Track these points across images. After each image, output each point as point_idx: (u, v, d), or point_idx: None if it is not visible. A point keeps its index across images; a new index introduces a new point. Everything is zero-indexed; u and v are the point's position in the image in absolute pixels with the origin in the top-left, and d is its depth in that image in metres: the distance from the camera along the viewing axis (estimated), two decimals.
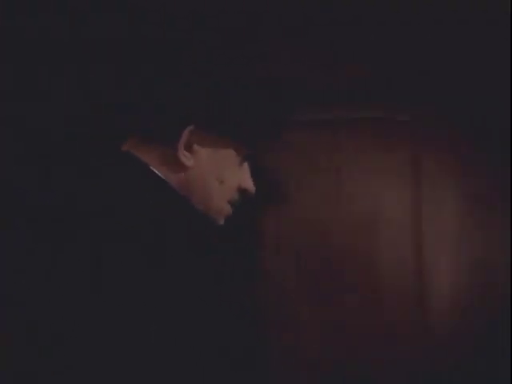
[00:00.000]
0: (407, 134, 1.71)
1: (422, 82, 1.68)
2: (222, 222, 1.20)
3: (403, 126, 1.71)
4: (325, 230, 1.66)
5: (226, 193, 1.17)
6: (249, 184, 1.21)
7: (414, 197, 1.71)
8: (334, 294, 1.66)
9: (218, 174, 1.15)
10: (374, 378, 1.68)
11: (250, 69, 1.40)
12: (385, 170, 1.69)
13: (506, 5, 1.77)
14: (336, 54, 1.62)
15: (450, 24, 1.62)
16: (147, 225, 1.03)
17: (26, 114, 1.60)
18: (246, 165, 1.21)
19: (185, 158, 1.11)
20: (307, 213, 1.64)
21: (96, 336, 1.00)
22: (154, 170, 1.10)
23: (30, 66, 1.60)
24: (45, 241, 1.04)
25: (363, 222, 1.67)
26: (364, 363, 1.68)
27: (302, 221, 1.64)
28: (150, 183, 1.10)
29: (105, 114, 1.52)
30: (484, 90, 1.68)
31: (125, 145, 1.14)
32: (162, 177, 1.10)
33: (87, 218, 1.04)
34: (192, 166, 1.11)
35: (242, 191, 1.21)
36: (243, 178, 1.20)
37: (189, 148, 1.11)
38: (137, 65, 1.35)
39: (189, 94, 1.08)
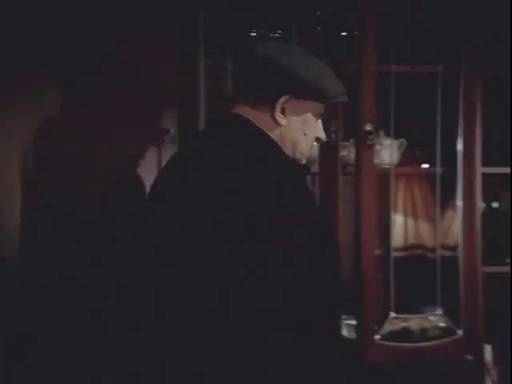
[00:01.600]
0: None
1: None
2: (304, 161, 1.70)
3: None
4: None
5: (308, 141, 1.66)
6: (322, 134, 1.71)
7: None
8: None
9: (303, 129, 1.64)
10: None
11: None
12: None
13: None
14: None
15: None
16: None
17: None
18: (319, 121, 1.69)
19: (280, 118, 1.58)
20: None
21: None
22: (260, 126, 1.59)
23: None
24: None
25: None
26: None
27: None
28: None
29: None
30: None
31: (235, 108, 1.61)
32: (265, 131, 1.60)
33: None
34: (285, 124, 1.60)
35: (318, 139, 1.70)
36: (319, 130, 1.69)
37: (282, 111, 1.58)
38: None
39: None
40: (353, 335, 2.44)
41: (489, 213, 2.68)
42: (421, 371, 2.50)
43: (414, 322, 2.48)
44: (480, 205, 2.57)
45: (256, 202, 1.45)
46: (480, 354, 2.46)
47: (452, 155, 2.56)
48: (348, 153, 2.56)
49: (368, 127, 2.38)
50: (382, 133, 2.54)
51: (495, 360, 2.56)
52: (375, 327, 2.40)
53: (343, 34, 2.57)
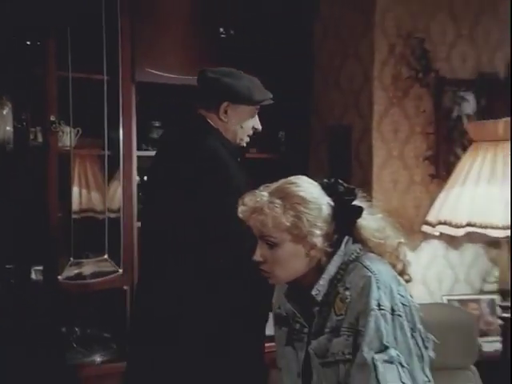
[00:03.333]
0: None
1: None
2: (244, 145, 2.33)
3: None
4: None
5: (244, 132, 2.30)
6: (258, 126, 2.33)
7: None
8: None
9: (240, 124, 2.27)
10: None
11: None
12: None
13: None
14: None
15: None
16: None
17: None
18: (256, 116, 2.31)
19: (223, 117, 2.24)
20: None
21: None
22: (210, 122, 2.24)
23: None
24: None
25: None
26: None
27: None
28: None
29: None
30: None
31: (199, 110, 2.26)
32: (214, 125, 2.24)
33: None
34: (226, 121, 2.24)
35: (255, 129, 2.32)
36: (255, 123, 2.32)
37: (225, 112, 2.23)
38: None
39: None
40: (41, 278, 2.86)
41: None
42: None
43: (88, 266, 2.95)
44: (136, 178, 3.03)
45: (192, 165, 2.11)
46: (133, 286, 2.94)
47: (116, 141, 2.98)
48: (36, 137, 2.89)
49: (52, 118, 2.77)
50: (63, 122, 2.81)
51: None
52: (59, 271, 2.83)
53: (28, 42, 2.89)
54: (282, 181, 1.79)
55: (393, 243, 1.83)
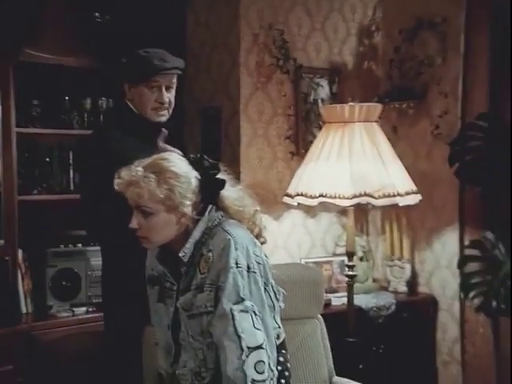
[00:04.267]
0: None
1: None
2: (159, 119, 2.40)
3: None
4: None
5: (149, 105, 2.37)
6: (161, 99, 2.37)
7: None
8: None
9: (142, 99, 2.36)
10: None
11: None
12: None
13: None
14: None
15: None
16: None
17: None
18: (159, 92, 2.37)
19: (128, 94, 2.40)
20: None
21: None
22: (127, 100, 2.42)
23: None
24: None
25: None
26: None
27: None
28: None
29: None
30: None
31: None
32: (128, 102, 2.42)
33: None
34: (131, 98, 2.40)
35: (160, 103, 2.37)
36: (158, 97, 2.37)
37: (129, 90, 2.39)
38: None
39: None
40: None
41: None
42: None
43: None
44: (15, 153, 2.99)
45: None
46: (15, 256, 2.99)
47: None
48: None
49: None
50: None
51: None
52: None
53: None
54: (154, 157, 1.91)
55: (250, 211, 2.00)
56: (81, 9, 3.27)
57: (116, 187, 1.88)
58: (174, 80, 2.41)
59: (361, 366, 3.10)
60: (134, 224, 1.88)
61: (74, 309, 3.01)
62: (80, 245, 3.14)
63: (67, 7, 3.23)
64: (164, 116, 2.38)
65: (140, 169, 1.86)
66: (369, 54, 3.84)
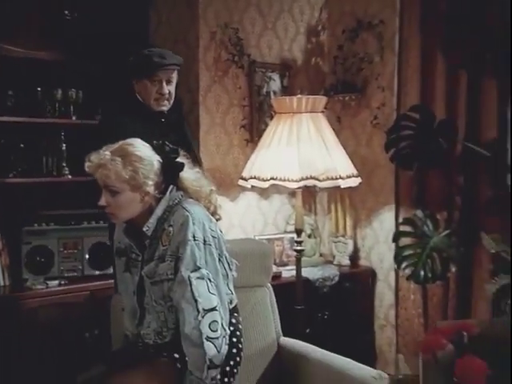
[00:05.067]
0: None
1: None
2: (160, 108, 2.57)
3: None
4: None
5: (152, 97, 2.53)
6: (162, 91, 2.53)
7: None
8: None
9: (146, 91, 2.53)
10: None
11: None
12: None
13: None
14: None
15: None
16: None
17: None
18: (159, 86, 2.53)
19: (135, 87, 2.57)
20: None
21: None
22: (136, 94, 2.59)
23: None
24: None
25: None
26: None
27: None
28: None
29: None
30: None
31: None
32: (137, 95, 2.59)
33: None
34: (138, 91, 2.57)
35: (161, 94, 2.52)
36: (160, 90, 2.53)
37: (137, 83, 2.57)
38: None
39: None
40: None
41: None
42: None
43: None
44: None
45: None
46: None
47: None
48: None
49: None
50: None
51: None
52: None
53: None
54: (121, 142, 2.03)
55: (206, 190, 2.13)
56: (52, 8, 3.30)
57: (86, 169, 1.99)
58: (174, 75, 2.59)
59: (308, 331, 3.18)
60: (102, 202, 2.00)
61: (48, 282, 3.04)
62: (52, 224, 3.17)
63: (40, 6, 3.27)
64: (165, 106, 2.58)
65: (108, 153, 1.97)
66: (316, 51, 3.92)
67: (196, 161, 2.51)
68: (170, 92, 2.55)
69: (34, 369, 2.87)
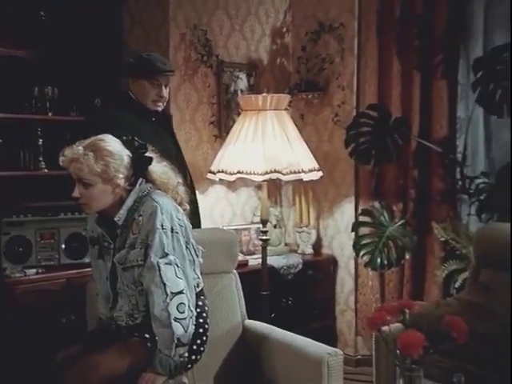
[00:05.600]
0: None
1: None
2: (156, 108, 2.67)
3: None
4: None
5: (150, 97, 2.62)
6: (161, 94, 2.63)
7: None
8: None
9: (144, 92, 2.61)
10: None
11: None
12: None
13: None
14: None
15: None
16: None
17: None
18: (160, 88, 2.63)
19: (131, 87, 2.64)
20: None
21: None
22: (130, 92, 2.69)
23: None
24: None
25: None
26: None
27: None
28: None
29: None
30: None
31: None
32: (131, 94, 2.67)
33: None
34: (133, 90, 2.64)
35: (160, 96, 2.62)
36: (159, 92, 2.63)
37: (133, 83, 2.66)
38: None
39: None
40: None
41: None
42: None
43: None
44: None
45: None
46: None
47: None
48: None
49: None
50: None
51: None
52: None
53: None
54: (92, 138, 2.08)
55: (173, 183, 2.18)
56: (29, 8, 3.31)
57: (61, 163, 2.04)
58: (169, 79, 2.76)
59: (273, 315, 3.24)
60: (76, 193, 2.05)
61: (26, 270, 3.05)
62: (30, 215, 3.18)
63: (16, 7, 3.28)
64: (160, 107, 2.71)
65: (81, 148, 2.02)
66: (280, 51, 3.99)
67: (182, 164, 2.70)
68: (166, 95, 2.72)
69: (15, 351, 2.90)
